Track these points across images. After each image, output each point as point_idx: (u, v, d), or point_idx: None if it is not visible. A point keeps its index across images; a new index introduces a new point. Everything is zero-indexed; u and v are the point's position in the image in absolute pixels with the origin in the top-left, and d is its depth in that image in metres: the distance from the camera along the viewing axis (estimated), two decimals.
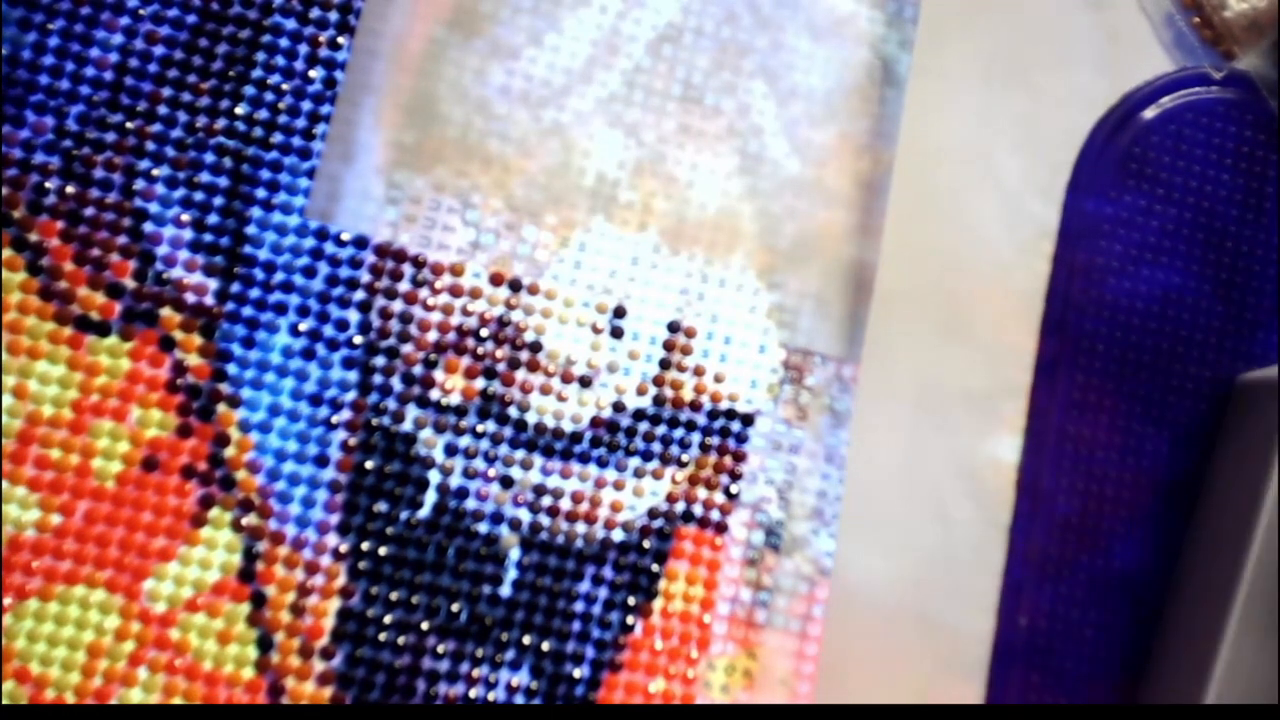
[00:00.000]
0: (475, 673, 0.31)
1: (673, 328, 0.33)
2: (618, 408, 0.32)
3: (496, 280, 0.32)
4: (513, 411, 0.32)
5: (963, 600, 0.33)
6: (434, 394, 0.31)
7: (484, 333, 0.32)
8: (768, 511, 0.33)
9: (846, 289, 0.34)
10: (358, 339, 0.31)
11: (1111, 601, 0.34)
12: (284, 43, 0.32)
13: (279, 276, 0.31)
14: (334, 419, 0.31)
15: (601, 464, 0.32)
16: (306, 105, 0.32)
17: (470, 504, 0.31)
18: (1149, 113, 0.37)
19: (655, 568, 0.32)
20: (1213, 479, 0.35)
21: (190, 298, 0.31)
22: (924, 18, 0.36)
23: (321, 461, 0.31)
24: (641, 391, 0.32)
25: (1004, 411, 0.35)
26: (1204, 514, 0.34)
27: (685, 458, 0.32)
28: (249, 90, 0.32)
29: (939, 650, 0.33)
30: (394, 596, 0.30)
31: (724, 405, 0.33)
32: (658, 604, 0.32)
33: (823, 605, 0.32)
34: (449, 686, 0.30)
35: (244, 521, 0.30)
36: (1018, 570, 0.34)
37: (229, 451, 0.30)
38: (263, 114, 0.32)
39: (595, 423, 0.32)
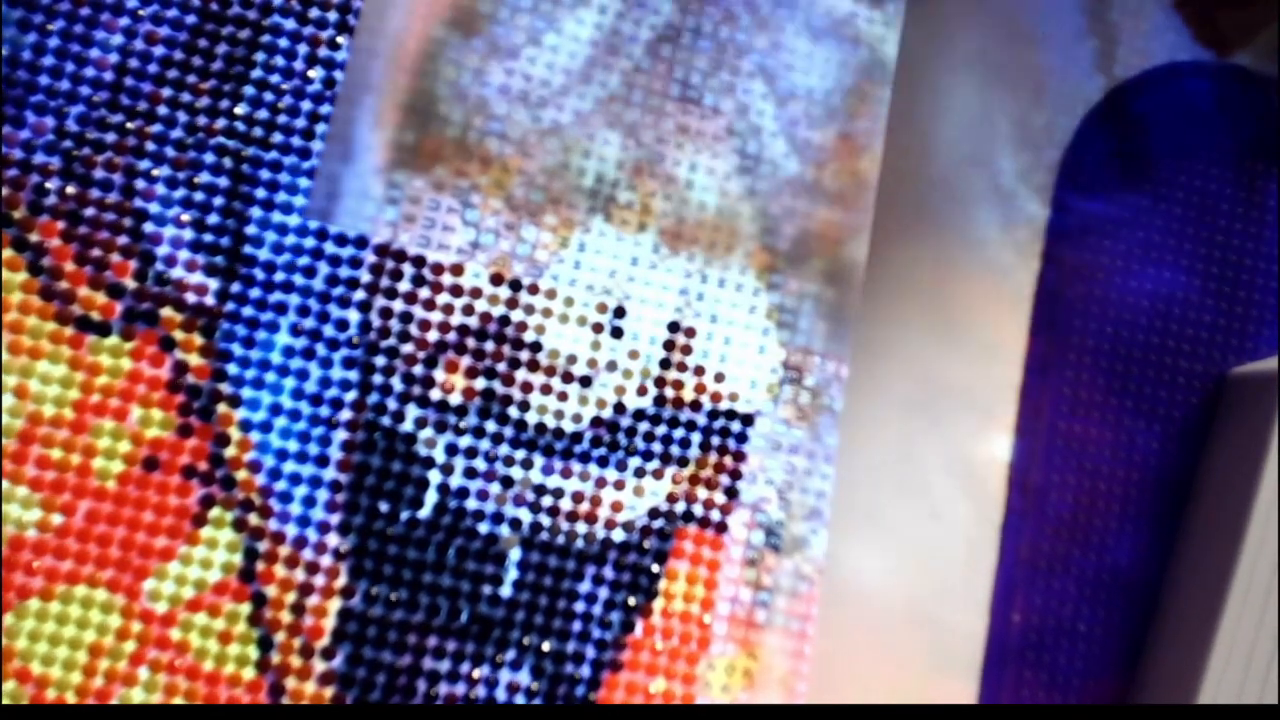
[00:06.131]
0: (475, 673, 0.31)
1: (673, 328, 0.33)
2: (618, 408, 0.32)
3: (496, 280, 0.32)
4: (513, 411, 0.32)
5: (956, 598, 0.34)
6: (434, 394, 0.32)
7: (484, 333, 0.32)
8: (767, 511, 0.33)
9: (846, 289, 0.34)
10: (357, 339, 0.31)
11: (1105, 598, 0.34)
12: (283, 43, 0.32)
13: (279, 276, 0.31)
14: (334, 419, 0.31)
15: (601, 464, 0.32)
16: (306, 105, 0.32)
17: (470, 504, 0.31)
18: (1140, 108, 0.37)
19: (655, 568, 0.32)
20: (1206, 474, 0.35)
21: (191, 298, 0.31)
22: (917, 16, 0.36)
23: (322, 461, 0.31)
24: (641, 392, 0.33)
25: (996, 409, 0.35)
26: (1197, 509, 0.34)
27: (685, 458, 0.33)
28: (249, 90, 0.32)
29: (932, 648, 0.33)
30: (394, 596, 0.30)
31: (724, 405, 0.33)
32: (658, 604, 0.32)
33: (818, 604, 0.33)
34: (449, 686, 0.30)
35: (245, 521, 0.30)
36: (1011, 568, 0.34)
37: (229, 451, 0.30)
38: (262, 114, 0.32)
39: (595, 423, 0.32)
